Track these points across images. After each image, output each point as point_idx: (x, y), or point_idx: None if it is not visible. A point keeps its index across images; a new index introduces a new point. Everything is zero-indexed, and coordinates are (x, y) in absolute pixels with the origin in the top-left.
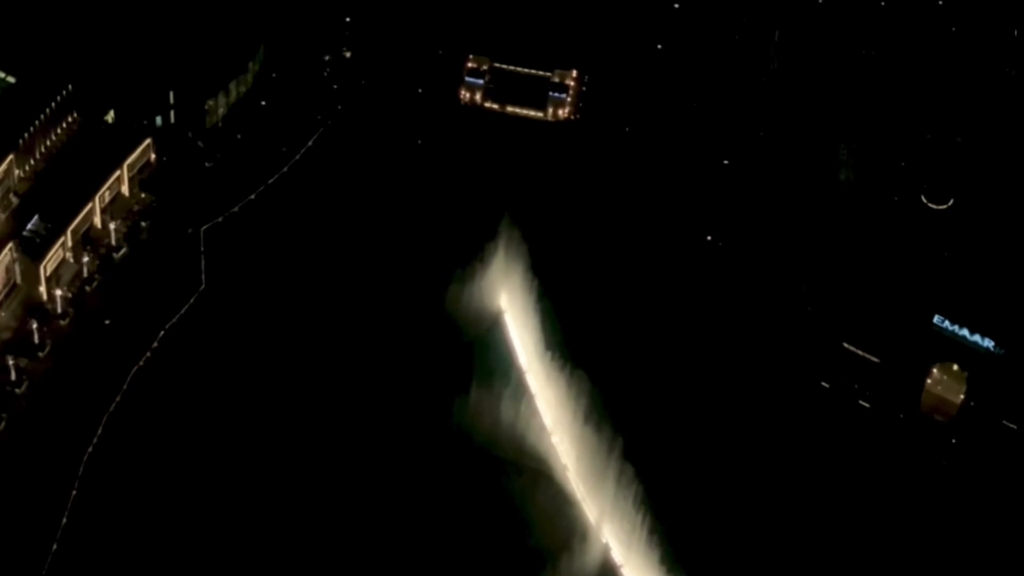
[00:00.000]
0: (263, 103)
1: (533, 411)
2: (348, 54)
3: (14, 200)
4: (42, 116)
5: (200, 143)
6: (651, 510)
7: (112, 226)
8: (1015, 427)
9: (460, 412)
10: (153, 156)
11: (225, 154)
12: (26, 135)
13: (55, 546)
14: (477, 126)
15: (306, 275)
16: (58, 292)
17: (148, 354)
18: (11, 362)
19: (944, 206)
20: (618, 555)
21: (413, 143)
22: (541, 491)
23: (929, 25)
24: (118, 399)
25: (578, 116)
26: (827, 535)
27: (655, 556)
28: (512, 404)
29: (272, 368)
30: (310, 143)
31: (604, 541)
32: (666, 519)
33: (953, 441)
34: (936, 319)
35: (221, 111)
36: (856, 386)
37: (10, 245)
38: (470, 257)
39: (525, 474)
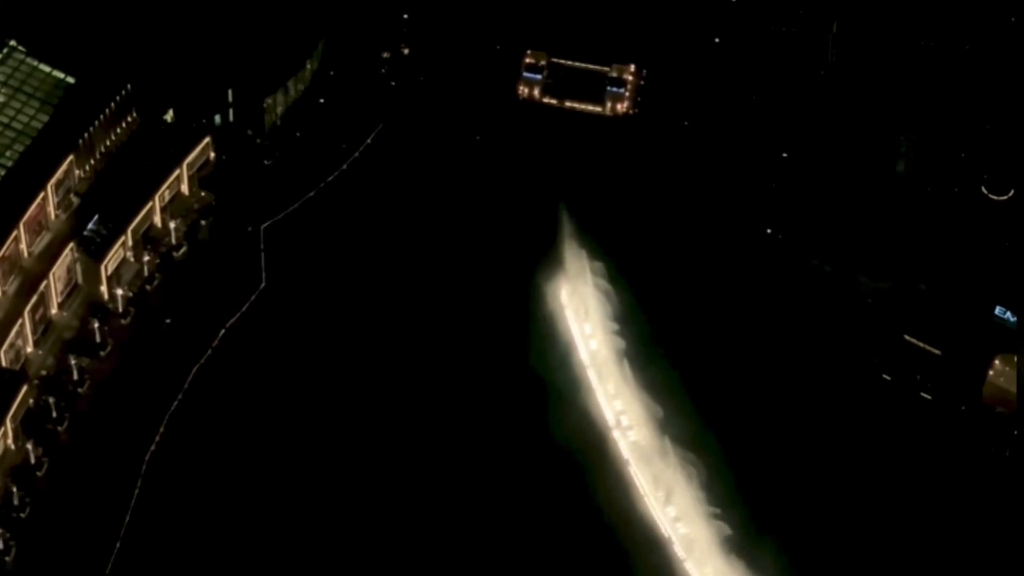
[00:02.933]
0: (321, 100)
1: (597, 405)
2: (406, 51)
3: (74, 200)
4: (101, 116)
5: (259, 141)
6: (715, 503)
7: (172, 225)
8: None
9: (524, 406)
10: (212, 155)
11: (284, 152)
12: (86, 135)
13: (119, 544)
14: (536, 121)
15: (367, 272)
16: (119, 291)
17: (209, 352)
18: (73, 362)
19: (1005, 197)
20: (681, 550)
21: (472, 139)
22: (614, 490)
23: (988, 15)
24: (180, 398)
25: (636, 111)
26: (888, 527)
27: (721, 547)
28: (576, 398)
29: (334, 366)
30: (369, 140)
31: (667, 535)
32: (730, 511)
33: (1016, 432)
34: (998, 310)
35: (280, 109)
36: (918, 378)
37: (71, 245)
38: (530, 252)
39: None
